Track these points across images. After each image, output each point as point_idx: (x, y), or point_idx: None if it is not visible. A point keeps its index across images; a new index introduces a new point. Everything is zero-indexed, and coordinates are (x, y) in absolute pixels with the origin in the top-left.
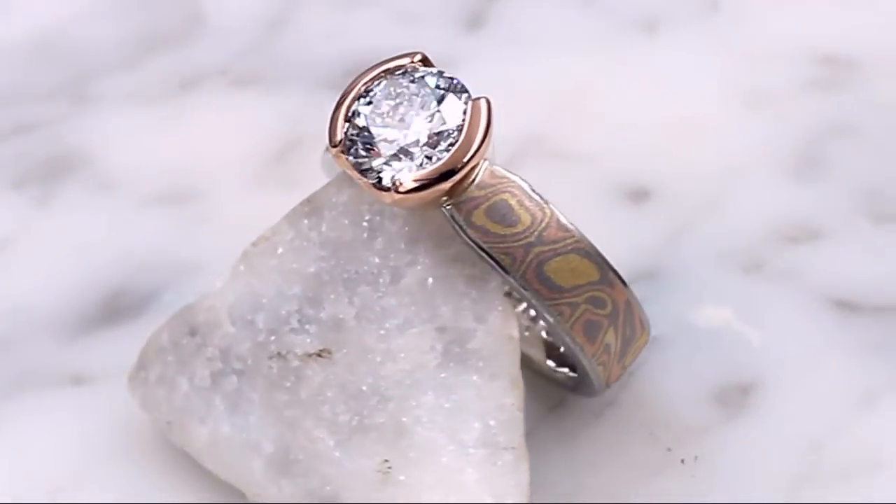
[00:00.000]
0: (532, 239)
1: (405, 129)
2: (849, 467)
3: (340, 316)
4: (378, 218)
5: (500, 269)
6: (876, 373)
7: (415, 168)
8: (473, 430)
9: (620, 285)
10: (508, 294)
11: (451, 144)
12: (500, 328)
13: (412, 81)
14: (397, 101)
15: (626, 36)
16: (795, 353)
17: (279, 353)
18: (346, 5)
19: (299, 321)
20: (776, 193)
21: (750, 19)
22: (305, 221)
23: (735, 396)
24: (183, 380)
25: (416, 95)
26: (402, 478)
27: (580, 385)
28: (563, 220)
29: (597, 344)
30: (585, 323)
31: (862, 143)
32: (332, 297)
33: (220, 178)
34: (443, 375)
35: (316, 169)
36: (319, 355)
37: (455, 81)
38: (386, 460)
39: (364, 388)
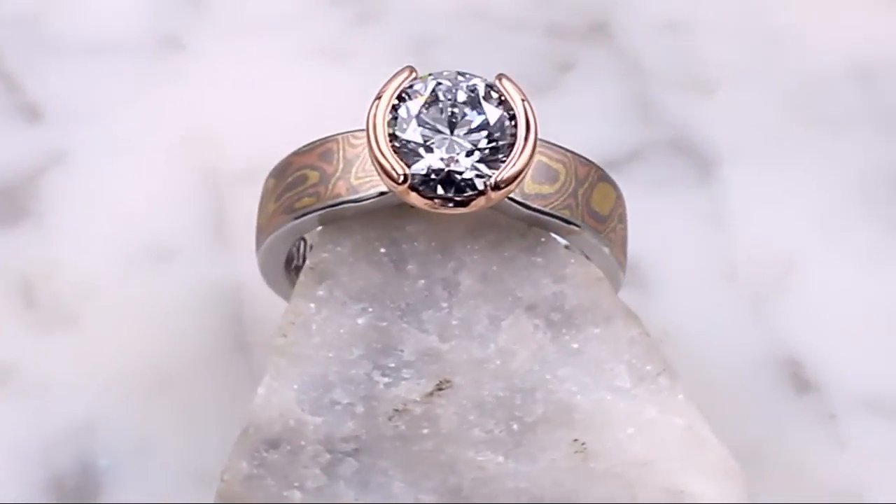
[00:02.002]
0: (574, 184)
1: (460, 133)
2: (768, 277)
3: (426, 347)
4: (394, 247)
5: (564, 224)
6: (693, 205)
7: (472, 165)
8: (622, 374)
9: (622, 194)
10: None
11: (513, 125)
12: (584, 276)
13: (430, 88)
14: (434, 111)
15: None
16: None
17: (397, 410)
18: None
19: (386, 374)
20: None
21: None
22: (321, 287)
23: (629, 273)
24: (293, 491)
25: (444, 97)
26: (600, 446)
27: None
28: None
29: (626, 257)
30: (622, 241)
31: (382, 32)
32: (402, 336)
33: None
34: (563, 342)
35: (75, 288)
36: (440, 388)
37: (457, 72)
38: (575, 439)
39: (501, 394)
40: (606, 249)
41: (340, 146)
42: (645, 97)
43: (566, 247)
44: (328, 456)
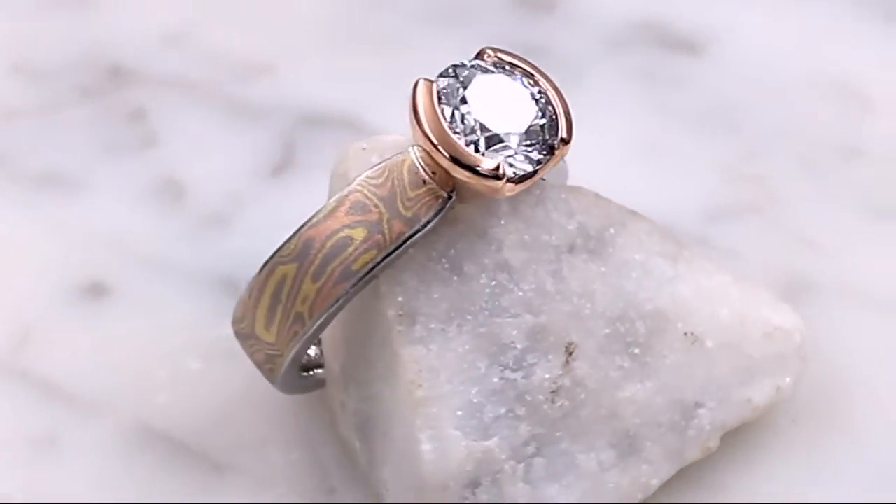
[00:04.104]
0: None
1: (515, 115)
2: None
3: (528, 327)
4: (444, 259)
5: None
6: None
7: (543, 129)
8: (663, 265)
9: None
10: None
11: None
12: (585, 201)
13: (459, 90)
14: (487, 104)
15: None
16: None
17: (553, 391)
18: None
19: (518, 368)
20: None
21: None
22: (417, 327)
23: None
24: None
25: (492, 89)
26: (702, 329)
27: None
28: None
29: None
30: None
31: None
32: (503, 330)
33: None
34: (612, 262)
35: None
36: (570, 353)
37: (456, 65)
38: (685, 333)
39: (607, 331)
40: (567, 167)
41: (365, 192)
42: (232, 99)
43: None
44: (521, 466)
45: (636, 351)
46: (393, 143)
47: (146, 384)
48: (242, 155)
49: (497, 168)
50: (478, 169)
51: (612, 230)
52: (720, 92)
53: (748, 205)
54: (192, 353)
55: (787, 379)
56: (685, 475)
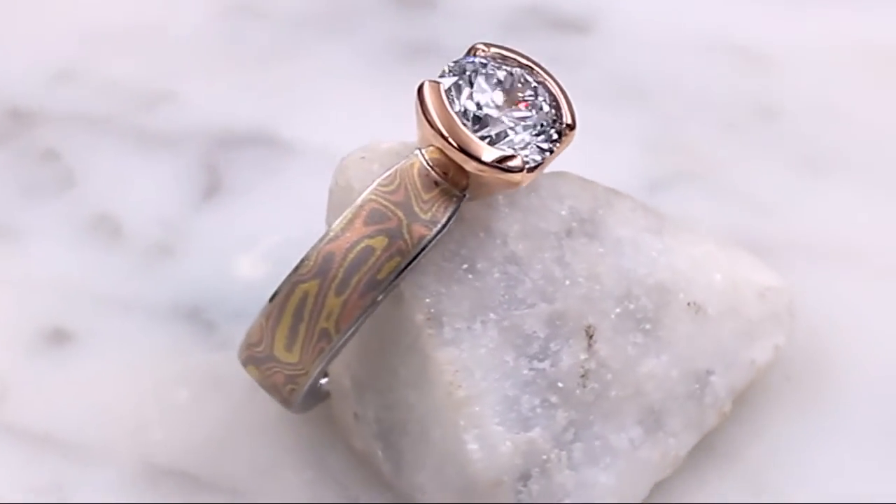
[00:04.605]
0: None
1: (521, 106)
2: None
3: (546, 315)
4: (457, 259)
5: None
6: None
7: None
8: (652, 240)
9: None
10: None
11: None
12: (570, 186)
13: (466, 91)
14: (493, 98)
15: None
16: None
17: (582, 375)
18: None
19: (545, 357)
20: None
21: None
22: (445, 328)
23: None
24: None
25: (492, 84)
26: (702, 298)
27: None
28: None
29: None
30: None
31: None
32: (524, 321)
33: None
34: (609, 242)
35: None
36: (591, 336)
37: (458, 62)
38: (688, 303)
39: (618, 310)
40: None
41: (380, 201)
42: (141, 129)
43: None
44: (564, 453)
45: (647, 326)
46: (389, 150)
47: (138, 422)
48: (167, 183)
49: (513, 158)
50: (493, 161)
51: (600, 211)
52: (620, 67)
53: (684, 173)
54: (175, 385)
55: (783, 337)
56: (698, 447)
